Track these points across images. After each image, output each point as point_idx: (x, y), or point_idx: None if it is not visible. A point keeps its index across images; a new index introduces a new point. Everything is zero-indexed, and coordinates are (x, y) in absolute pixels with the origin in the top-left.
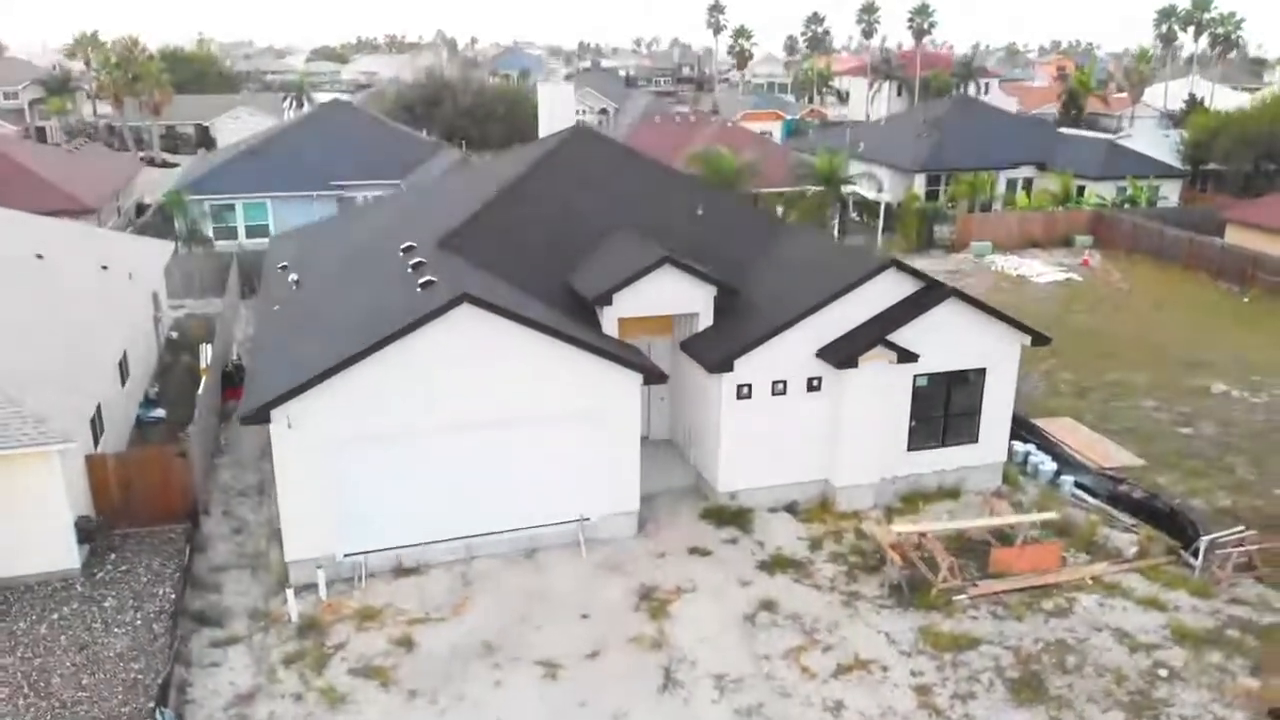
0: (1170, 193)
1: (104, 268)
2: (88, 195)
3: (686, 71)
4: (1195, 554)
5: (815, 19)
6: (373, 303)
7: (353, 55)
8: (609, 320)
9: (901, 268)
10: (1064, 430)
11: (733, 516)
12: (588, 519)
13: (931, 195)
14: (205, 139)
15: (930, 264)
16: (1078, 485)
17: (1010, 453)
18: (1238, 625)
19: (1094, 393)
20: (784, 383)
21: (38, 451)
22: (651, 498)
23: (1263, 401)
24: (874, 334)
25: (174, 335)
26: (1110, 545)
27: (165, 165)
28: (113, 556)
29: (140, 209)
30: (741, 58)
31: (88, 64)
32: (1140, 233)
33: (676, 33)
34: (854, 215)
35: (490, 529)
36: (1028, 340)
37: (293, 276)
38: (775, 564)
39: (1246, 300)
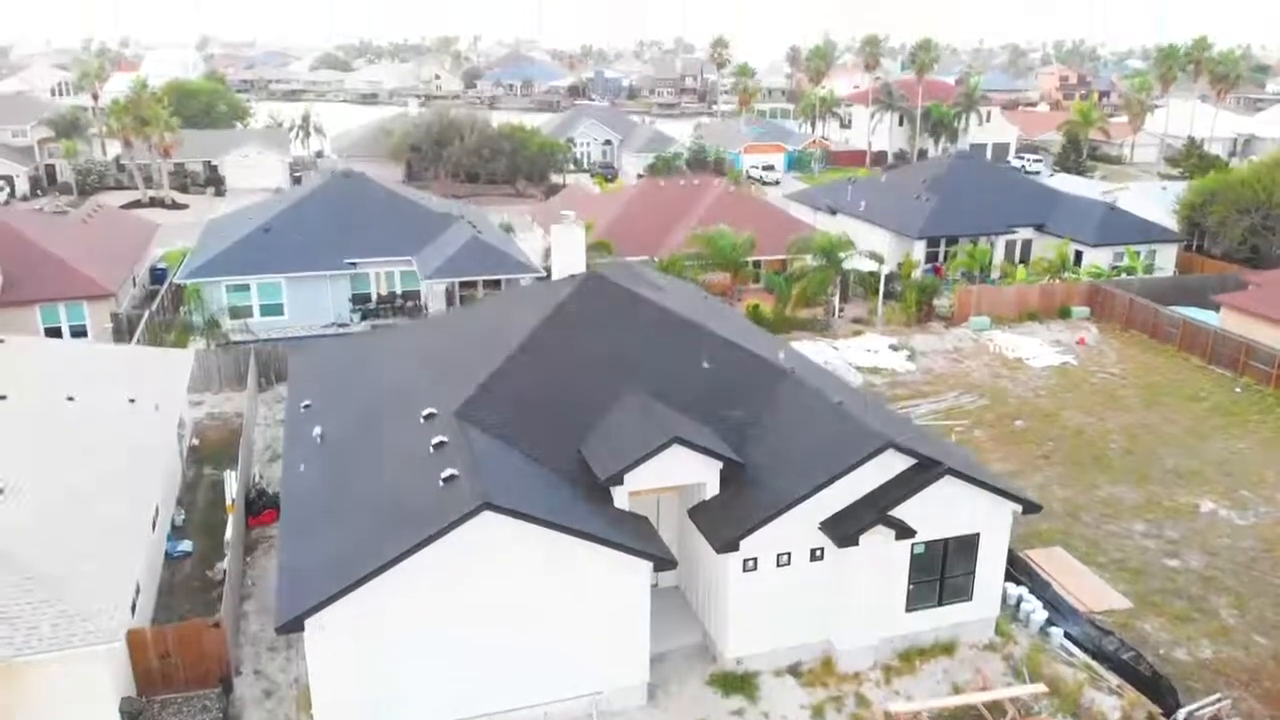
0: (1166, 261)
1: (131, 400)
2: (106, 277)
3: (689, 83)
4: None
5: (818, 54)
6: (396, 487)
7: (355, 61)
8: (620, 496)
9: (898, 448)
10: (1055, 564)
11: (739, 683)
12: (600, 693)
13: (931, 257)
14: (214, 177)
15: (930, 340)
16: (1066, 636)
17: (1004, 596)
18: None
19: (1085, 512)
20: (788, 554)
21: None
22: (661, 657)
23: (1249, 524)
24: (873, 512)
25: (195, 443)
26: (1095, 709)
27: (175, 206)
28: None
29: (154, 273)
30: (744, 96)
31: (95, 98)
32: (1136, 309)
33: (680, 30)
34: (854, 279)
35: (509, 705)
36: (1019, 508)
37: (317, 430)
38: None
39: (1239, 390)
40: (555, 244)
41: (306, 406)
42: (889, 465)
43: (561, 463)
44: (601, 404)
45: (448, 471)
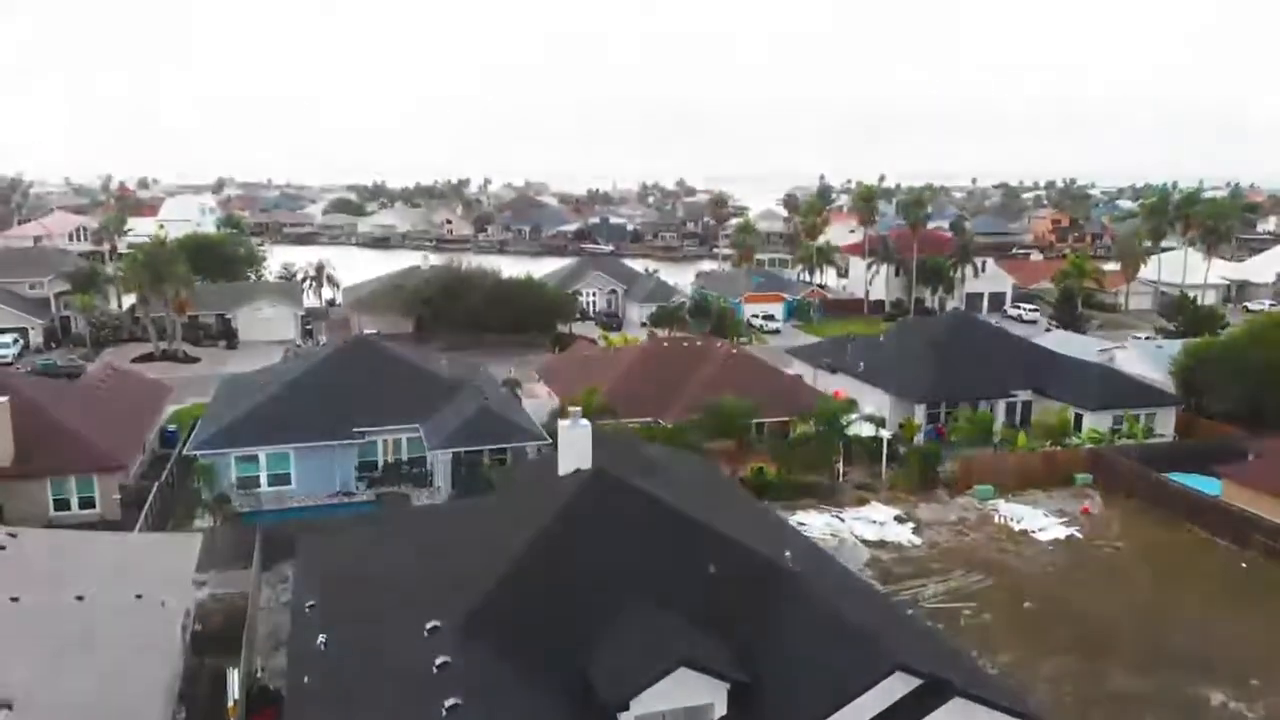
0: (1165, 423)
1: (138, 596)
2: (117, 448)
3: (691, 227)
4: None
5: (813, 208)
6: (400, 714)
7: (369, 204)
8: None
9: (906, 670)
10: None
11: None
12: None
13: (932, 418)
14: (227, 330)
15: (935, 510)
16: None
17: None
18: None
19: (1097, 708)
20: None
21: None
22: None
23: (1259, 716)
24: None
25: (198, 628)
26: None
27: (187, 359)
28: None
29: (165, 436)
30: (746, 252)
31: (113, 249)
32: (1138, 477)
33: (682, 171)
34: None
35: None
36: None
37: (321, 638)
38: None
39: (1244, 565)
40: (562, 442)
41: (311, 606)
42: (898, 685)
43: (566, 677)
44: (607, 611)
45: (451, 700)
